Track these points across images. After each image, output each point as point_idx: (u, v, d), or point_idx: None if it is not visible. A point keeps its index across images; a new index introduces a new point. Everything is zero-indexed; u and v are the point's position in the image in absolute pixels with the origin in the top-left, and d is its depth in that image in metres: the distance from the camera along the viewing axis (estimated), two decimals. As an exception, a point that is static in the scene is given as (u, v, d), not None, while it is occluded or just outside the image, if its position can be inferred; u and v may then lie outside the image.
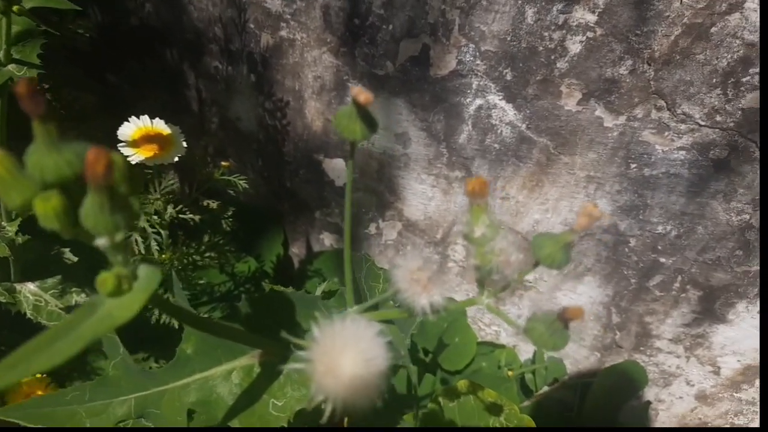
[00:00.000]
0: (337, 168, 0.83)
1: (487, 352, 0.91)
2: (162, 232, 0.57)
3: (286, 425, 0.27)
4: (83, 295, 0.57)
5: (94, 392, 0.30)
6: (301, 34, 0.71)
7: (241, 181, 0.59)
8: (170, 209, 0.53)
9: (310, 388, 0.18)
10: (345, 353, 0.18)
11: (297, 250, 0.96)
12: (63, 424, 0.29)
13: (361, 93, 0.21)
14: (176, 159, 0.51)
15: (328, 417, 0.18)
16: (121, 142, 0.49)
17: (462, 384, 0.55)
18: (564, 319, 0.22)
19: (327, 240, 0.93)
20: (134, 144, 0.50)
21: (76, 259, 0.57)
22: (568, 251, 0.23)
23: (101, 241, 0.19)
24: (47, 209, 0.18)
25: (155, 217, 0.53)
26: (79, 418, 0.29)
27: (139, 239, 0.51)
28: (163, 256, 0.60)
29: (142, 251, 0.51)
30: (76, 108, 0.66)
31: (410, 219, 0.84)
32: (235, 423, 0.28)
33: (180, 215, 0.57)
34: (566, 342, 0.22)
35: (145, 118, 0.52)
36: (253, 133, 0.84)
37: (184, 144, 0.53)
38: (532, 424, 0.49)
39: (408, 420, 0.55)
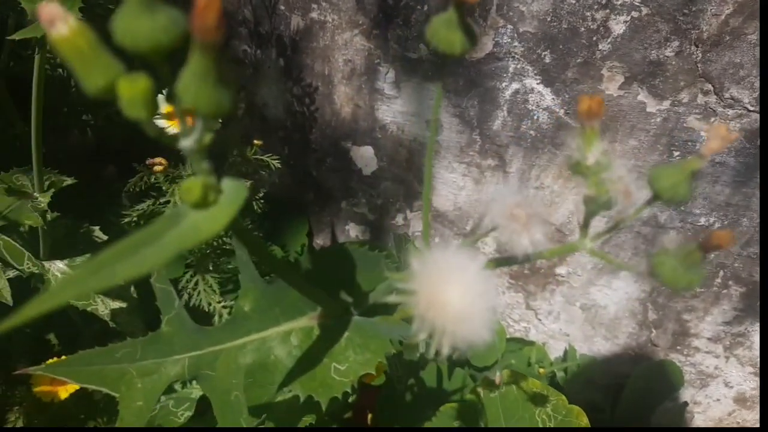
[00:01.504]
0: (365, 156, 0.81)
1: (516, 349, 0.89)
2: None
3: (349, 391, 0.25)
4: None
5: (146, 350, 0.28)
6: (332, 16, 0.69)
7: (274, 161, 0.57)
8: (203, 185, 0.51)
9: (412, 324, 0.16)
10: (451, 285, 0.16)
11: (321, 241, 0.95)
12: (112, 384, 0.27)
13: (465, -9, 0.18)
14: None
15: (434, 352, 0.16)
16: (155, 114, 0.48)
17: (503, 374, 0.52)
18: (708, 247, 0.19)
19: (353, 231, 0.91)
20: (168, 116, 0.48)
21: (105, 237, 0.56)
22: (692, 184, 0.21)
23: (187, 141, 0.17)
24: (134, 92, 0.16)
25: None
26: (130, 378, 0.28)
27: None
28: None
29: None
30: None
31: (439, 209, 0.82)
32: (295, 387, 0.26)
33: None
34: (701, 279, 0.20)
35: (179, 91, 0.50)
36: (279, 119, 0.83)
37: (219, 120, 0.51)
38: (583, 415, 0.47)
39: (446, 411, 0.53)
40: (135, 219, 0.55)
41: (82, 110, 0.70)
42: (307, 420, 0.41)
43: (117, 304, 0.56)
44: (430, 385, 0.73)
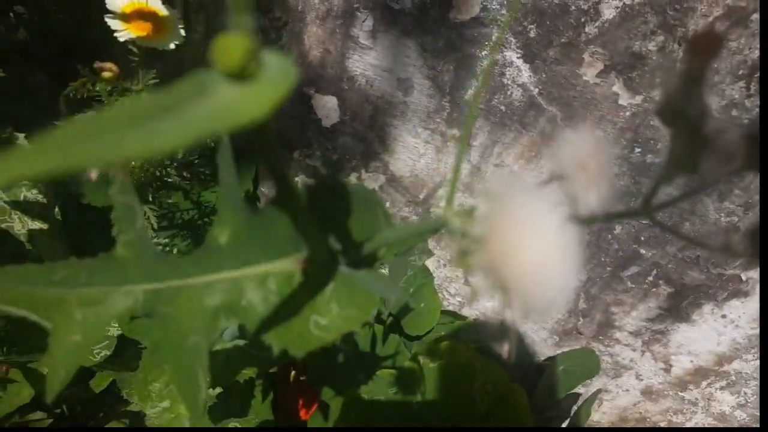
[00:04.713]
0: (326, 106, 0.77)
1: (447, 322, 0.89)
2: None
3: (329, 347, 0.22)
4: (34, 191, 0.49)
5: (93, 275, 0.23)
6: (317, -53, 0.64)
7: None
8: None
9: (472, 275, 0.14)
10: (530, 236, 0.14)
11: (266, 190, 0.90)
12: (45, 311, 0.22)
13: None
14: (172, 46, 0.44)
15: (502, 312, 0.14)
16: (109, 12, 0.42)
17: (446, 345, 0.52)
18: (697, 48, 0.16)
19: (301, 184, 0.87)
20: (125, 18, 0.42)
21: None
22: None
23: None
24: None
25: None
26: (68, 306, 0.23)
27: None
28: (133, 164, 0.53)
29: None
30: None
31: (395, 174, 0.80)
32: (270, 337, 0.23)
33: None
34: None
35: (140, -8, 0.44)
36: (240, 52, 0.77)
37: (183, 33, 0.46)
38: (523, 395, 0.46)
39: (383, 376, 0.51)
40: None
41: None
42: (247, 374, 0.38)
43: (37, 225, 0.50)
44: (363, 348, 0.72)
